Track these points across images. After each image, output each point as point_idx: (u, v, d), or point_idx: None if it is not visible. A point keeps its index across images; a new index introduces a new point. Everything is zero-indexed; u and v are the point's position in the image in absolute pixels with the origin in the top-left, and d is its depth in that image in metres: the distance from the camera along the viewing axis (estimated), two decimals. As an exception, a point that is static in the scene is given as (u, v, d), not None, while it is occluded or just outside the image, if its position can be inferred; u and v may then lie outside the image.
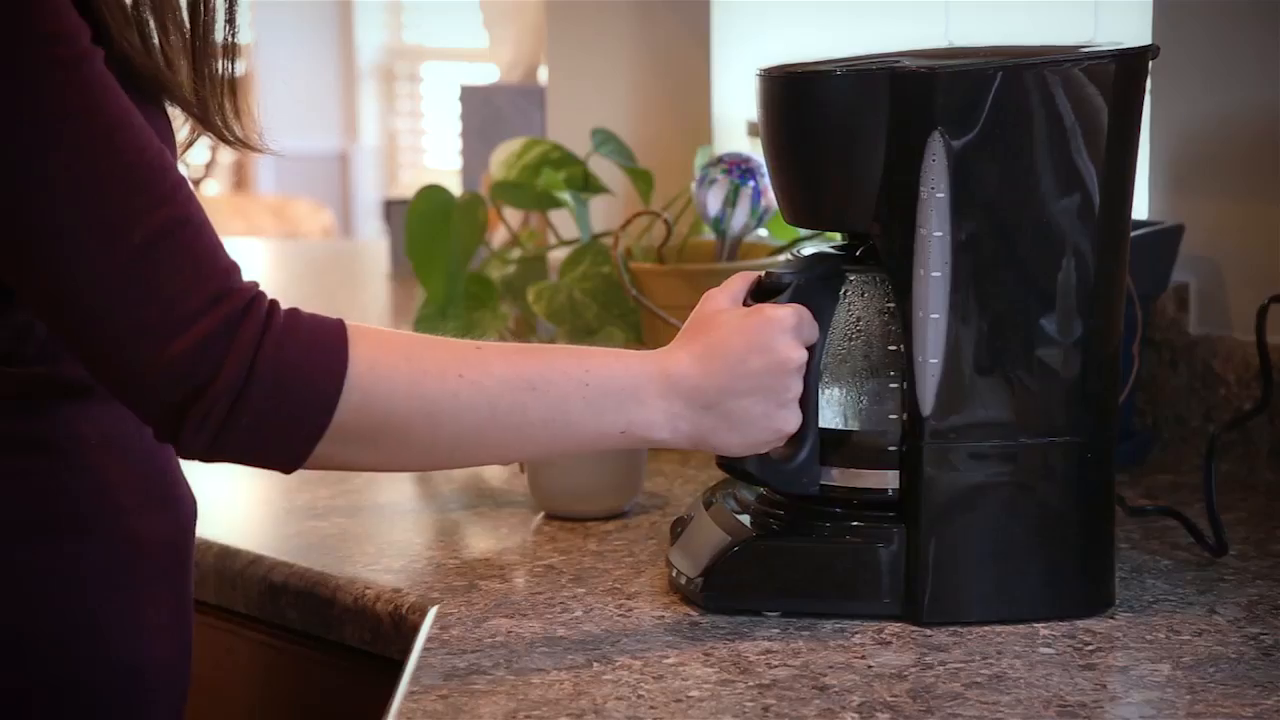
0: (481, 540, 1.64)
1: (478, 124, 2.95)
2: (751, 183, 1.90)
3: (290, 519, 1.71)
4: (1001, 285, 1.36)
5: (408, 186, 5.91)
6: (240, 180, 7.08)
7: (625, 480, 1.68)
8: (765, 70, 1.41)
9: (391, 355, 1.22)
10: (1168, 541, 1.59)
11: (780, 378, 1.32)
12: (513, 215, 2.31)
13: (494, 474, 1.82)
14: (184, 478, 1.36)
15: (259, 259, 3.68)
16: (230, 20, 1.32)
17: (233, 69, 1.33)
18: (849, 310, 1.41)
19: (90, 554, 1.27)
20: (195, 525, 1.37)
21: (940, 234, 1.35)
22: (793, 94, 1.40)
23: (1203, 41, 1.82)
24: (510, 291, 2.06)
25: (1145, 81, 1.40)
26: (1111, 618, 1.40)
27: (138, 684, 1.29)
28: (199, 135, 1.34)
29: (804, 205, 1.44)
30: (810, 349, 1.36)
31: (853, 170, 1.38)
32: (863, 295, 1.41)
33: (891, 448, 1.40)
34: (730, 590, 1.40)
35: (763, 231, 1.98)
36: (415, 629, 1.42)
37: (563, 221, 2.14)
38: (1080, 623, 1.39)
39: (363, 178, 7.08)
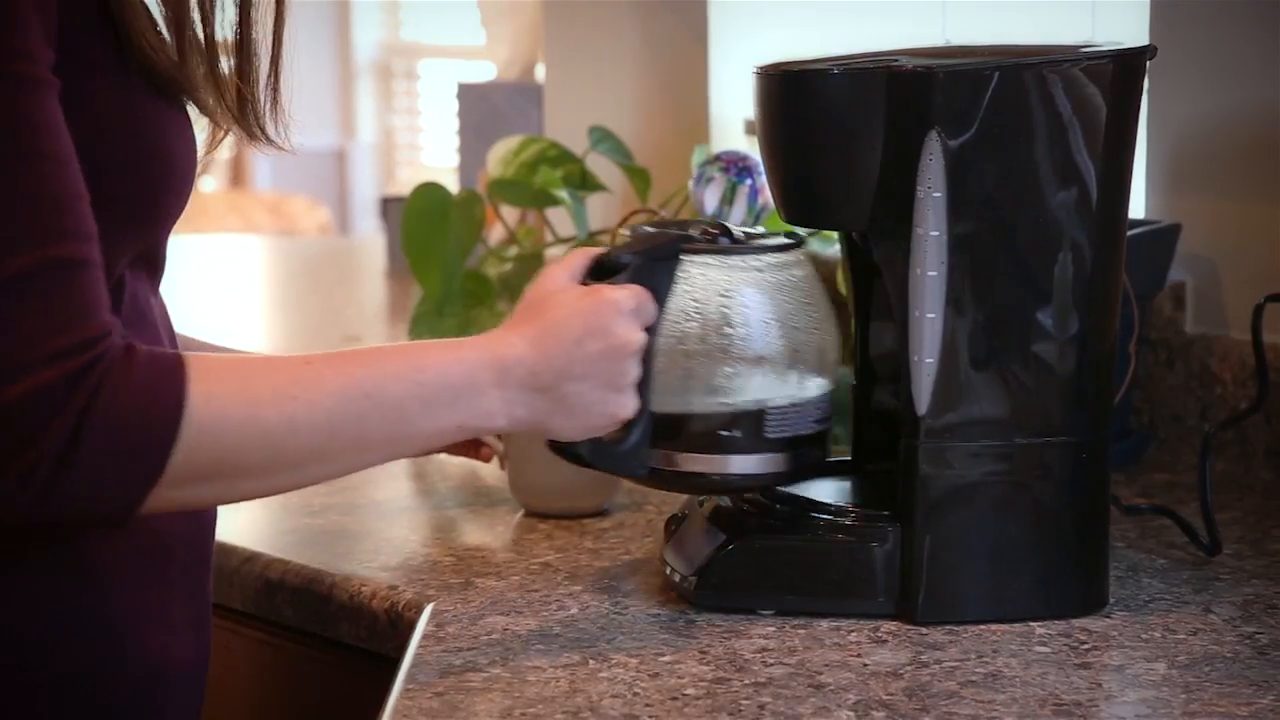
0: (477, 537, 1.64)
1: (475, 121, 2.95)
2: (748, 181, 1.89)
3: (286, 516, 1.71)
4: (998, 285, 1.36)
5: (405, 184, 5.91)
6: (237, 177, 7.07)
7: (605, 476, 1.67)
8: (762, 69, 1.41)
9: (225, 386, 1.16)
10: (1163, 541, 1.59)
11: (618, 362, 1.29)
12: (510, 213, 2.31)
13: (490, 471, 1.81)
14: None
15: (255, 256, 3.68)
16: (278, 18, 1.30)
17: (277, 68, 1.31)
18: (687, 293, 1.39)
19: (113, 551, 1.25)
20: (215, 525, 1.36)
21: (937, 233, 1.35)
22: (790, 92, 1.40)
23: (1200, 41, 1.82)
24: (507, 289, 2.06)
25: (1143, 81, 1.40)
26: (1107, 617, 1.40)
27: (158, 684, 1.28)
28: (227, 134, 1.32)
29: (800, 204, 1.44)
30: (648, 331, 1.32)
31: (850, 169, 1.38)
32: (703, 277, 1.39)
33: (723, 432, 1.39)
34: (724, 589, 1.40)
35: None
36: (411, 626, 1.42)
37: (560, 219, 2.14)
38: (1076, 622, 1.39)
39: (360, 175, 7.08)
